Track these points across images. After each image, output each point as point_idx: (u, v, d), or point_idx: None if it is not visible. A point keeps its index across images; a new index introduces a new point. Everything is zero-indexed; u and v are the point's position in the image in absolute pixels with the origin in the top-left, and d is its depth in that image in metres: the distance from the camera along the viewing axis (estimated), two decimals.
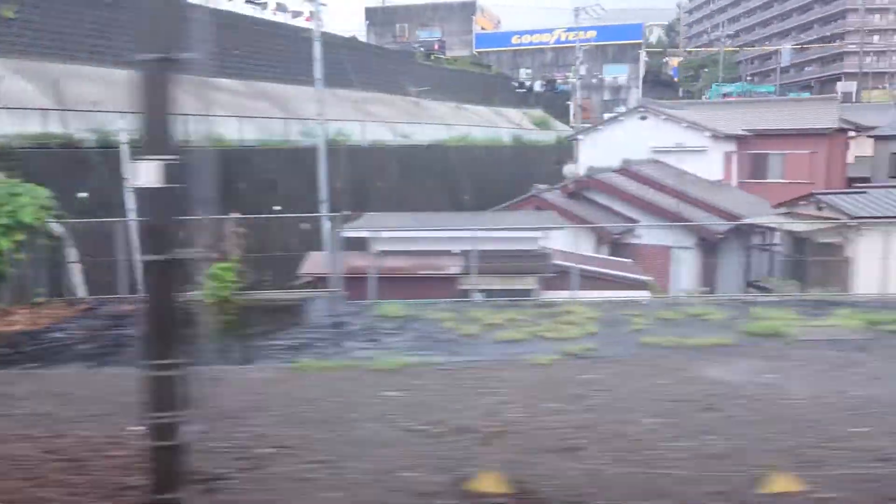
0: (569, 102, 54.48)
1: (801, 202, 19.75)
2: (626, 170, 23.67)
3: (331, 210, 22.28)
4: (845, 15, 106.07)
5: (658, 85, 57.93)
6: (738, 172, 30.09)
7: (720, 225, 20.38)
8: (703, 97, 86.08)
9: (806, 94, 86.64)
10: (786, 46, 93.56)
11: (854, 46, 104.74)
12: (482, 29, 58.89)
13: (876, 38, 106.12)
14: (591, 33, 56.75)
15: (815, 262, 19.07)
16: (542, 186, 22.61)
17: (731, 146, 29.05)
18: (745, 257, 21.39)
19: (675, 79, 76.86)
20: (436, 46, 51.65)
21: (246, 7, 32.36)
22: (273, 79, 28.06)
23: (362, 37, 60.46)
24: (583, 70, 51.32)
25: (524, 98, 54.08)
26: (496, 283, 15.95)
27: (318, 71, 21.44)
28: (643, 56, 56.20)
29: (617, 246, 22.46)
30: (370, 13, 61.37)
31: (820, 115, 29.57)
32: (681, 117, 26.00)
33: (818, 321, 9.65)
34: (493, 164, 30.99)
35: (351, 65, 37.37)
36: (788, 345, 8.29)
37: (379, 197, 25.11)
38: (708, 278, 21.27)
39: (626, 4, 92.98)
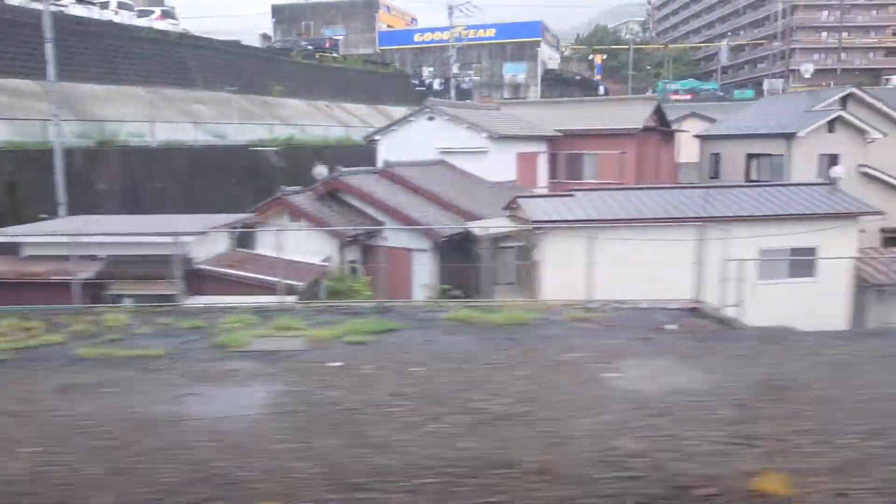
0: (468, 101, 54.20)
1: (514, 205, 19.58)
2: (385, 171, 23.46)
3: (69, 212, 22.20)
4: (794, 11, 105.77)
5: (560, 83, 57.68)
6: (549, 173, 29.93)
7: (445, 228, 20.18)
8: (648, 92, 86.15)
9: (750, 93, 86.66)
10: (723, 44, 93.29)
11: (799, 43, 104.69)
12: (388, 27, 58.56)
13: (824, 34, 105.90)
14: (491, 31, 56.51)
15: (506, 266, 18.93)
16: (289, 189, 22.37)
17: (538, 147, 28.87)
18: (477, 260, 21.15)
19: (598, 76, 76.53)
20: (327, 44, 51.29)
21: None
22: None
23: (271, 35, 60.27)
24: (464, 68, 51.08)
25: (424, 96, 53.70)
26: (140, 289, 15.78)
27: (50, 66, 21.16)
28: (541, 54, 55.88)
29: (366, 248, 22.34)
30: (276, 11, 61.04)
31: (634, 115, 29.36)
32: (463, 118, 25.75)
33: (289, 331, 9.26)
34: (295, 162, 30.40)
35: (198, 64, 37.20)
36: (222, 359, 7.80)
37: (149, 199, 24.86)
38: (450, 280, 21.07)
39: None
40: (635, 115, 29.27)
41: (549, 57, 59.61)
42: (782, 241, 18.63)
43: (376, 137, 27.40)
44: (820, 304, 18.46)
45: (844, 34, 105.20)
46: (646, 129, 29.40)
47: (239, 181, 27.72)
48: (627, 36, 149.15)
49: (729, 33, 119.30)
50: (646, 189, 21.23)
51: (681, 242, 18.26)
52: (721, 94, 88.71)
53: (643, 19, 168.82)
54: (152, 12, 38.23)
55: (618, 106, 30.90)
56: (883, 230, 24.38)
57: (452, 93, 44.80)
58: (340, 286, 19.11)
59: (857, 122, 25.37)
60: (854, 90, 27.77)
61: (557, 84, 55.73)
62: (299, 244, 21.18)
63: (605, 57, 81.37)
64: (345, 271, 21.18)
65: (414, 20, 67.69)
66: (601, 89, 72.94)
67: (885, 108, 27.53)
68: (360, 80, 48.61)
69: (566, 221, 17.28)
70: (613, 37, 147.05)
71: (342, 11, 59.66)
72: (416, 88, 54.60)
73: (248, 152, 28.96)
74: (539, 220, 17.46)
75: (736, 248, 17.94)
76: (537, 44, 55.86)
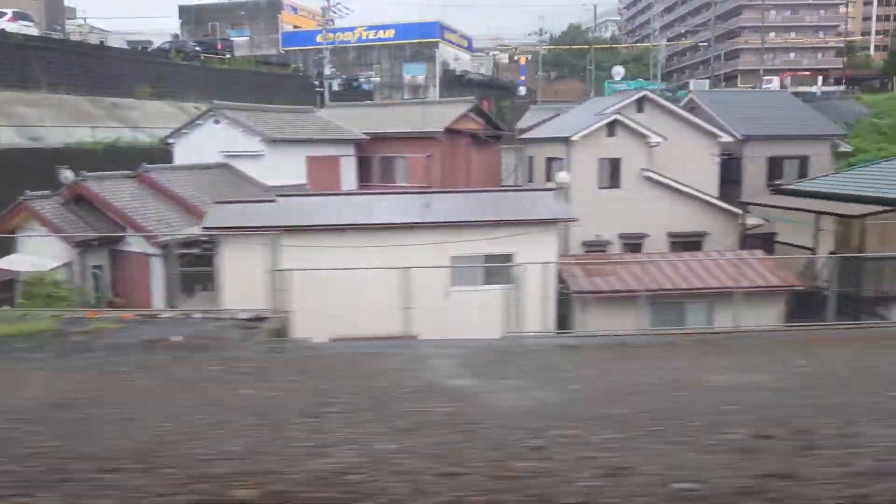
0: (368, 101, 54.10)
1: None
2: (142, 176, 23.33)
3: None
4: (740, 11, 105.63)
5: (462, 84, 57.53)
6: (361, 176, 29.82)
7: (168, 234, 20.05)
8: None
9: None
10: (661, 44, 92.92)
11: (745, 43, 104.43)
12: (295, 27, 58.42)
13: (773, 34, 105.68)
14: (390, 32, 56.37)
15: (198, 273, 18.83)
16: (35, 193, 22.22)
17: (340, 150, 28.75)
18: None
19: (522, 76, 76.32)
20: (218, 45, 51.12)
21: None
22: None
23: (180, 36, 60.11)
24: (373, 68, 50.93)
25: (322, 98, 53.60)
26: None
27: None
28: (440, 55, 55.73)
29: (113, 254, 22.24)
30: (184, 11, 60.92)
31: (441, 117, 29.24)
32: (240, 122, 25.63)
33: None
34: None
35: (44, 66, 37.05)
36: None
37: None
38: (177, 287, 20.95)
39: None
40: (443, 117, 29.16)
41: (454, 58, 59.44)
42: (476, 248, 18.55)
43: (171, 140, 27.28)
44: (519, 311, 18.38)
45: (772, 34, 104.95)
46: (455, 132, 29.26)
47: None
48: (607, 35, 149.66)
49: (687, 33, 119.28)
50: (374, 195, 21.17)
51: (372, 249, 18.23)
52: (670, 93, 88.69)
53: (619, 18, 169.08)
54: (4, 14, 38.05)
55: (434, 108, 30.76)
56: (585, 243, 24.42)
57: (326, 94, 44.61)
58: (40, 291, 18.98)
59: (636, 126, 25.23)
60: (647, 93, 27.65)
61: (459, 85, 55.62)
62: (44, 250, 21.19)
63: (528, 57, 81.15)
64: (83, 277, 21.09)
65: (331, 20, 67.51)
66: (522, 90, 72.90)
67: (678, 111, 27.41)
68: (248, 81, 48.40)
69: (235, 228, 17.18)
70: (585, 36, 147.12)
71: (247, 12, 59.57)
72: (317, 89, 54.50)
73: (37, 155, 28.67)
74: (211, 226, 17.35)
75: (423, 254, 17.92)
76: (435, 44, 55.70)
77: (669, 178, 25.89)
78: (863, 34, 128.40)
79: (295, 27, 57.72)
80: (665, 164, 27.31)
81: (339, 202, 19.50)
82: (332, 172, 28.09)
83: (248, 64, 50.87)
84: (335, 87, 55.45)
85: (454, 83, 56.32)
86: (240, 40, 58.99)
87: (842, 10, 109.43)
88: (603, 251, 25.67)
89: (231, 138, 25.80)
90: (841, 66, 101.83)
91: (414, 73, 55.53)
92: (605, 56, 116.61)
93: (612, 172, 25.69)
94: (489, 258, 18.47)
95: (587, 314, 19.42)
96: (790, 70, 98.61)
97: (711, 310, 19.61)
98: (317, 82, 56.15)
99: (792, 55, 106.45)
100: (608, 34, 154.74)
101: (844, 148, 29.92)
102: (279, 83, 52.32)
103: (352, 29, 58.11)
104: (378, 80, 56.02)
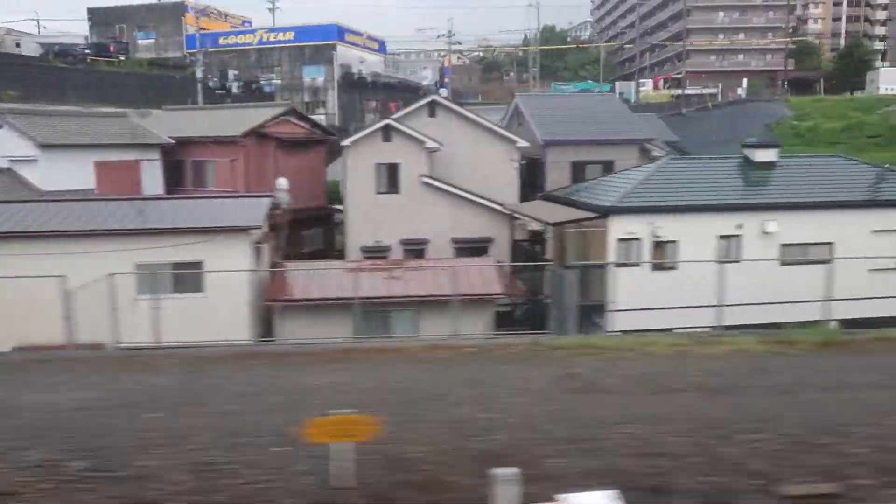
0: (270, 102, 54.04)
1: None
2: None
3: None
4: (689, 12, 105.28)
5: (362, 86, 57.42)
6: (171, 180, 29.72)
7: None
8: (534, 90, 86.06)
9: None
10: (600, 45, 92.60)
11: (692, 45, 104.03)
12: (202, 29, 58.32)
13: (721, 36, 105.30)
14: (290, 34, 56.29)
15: None
16: None
17: (139, 154, 28.63)
18: None
19: (447, 78, 76.20)
20: (110, 48, 51.04)
21: None
22: None
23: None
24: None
25: (222, 100, 53.50)
26: None
27: None
28: (337, 57, 55.60)
29: None
30: (92, 13, 60.93)
31: (245, 121, 29.13)
32: (16, 126, 25.54)
33: None
34: None
35: None
36: None
37: None
38: None
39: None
40: (249, 121, 29.04)
41: (359, 60, 59.33)
42: (164, 256, 18.44)
43: None
44: (214, 319, 18.28)
45: (721, 36, 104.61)
46: (263, 136, 29.13)
47: None
48: (585, 35, 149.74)
49: (647, 34, 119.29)
50: (80, 201, 21.12)
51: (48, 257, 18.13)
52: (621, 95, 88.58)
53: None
54: None
55: (247, 112, 30.64)
56: (364, 249, 24.36)
57: (200, 97, 44.54)
58: None
59: (409, 132, 25.12)
60: (436, 98, 27.53)
61: (361, 87, 55.46)
62: None
63: (449, 60, 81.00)
64: None
65: (246, 22, 67.57)
66: (443, 92, 72.62)
67: (473, 117, 27.29)
68: (134, 83, 48.22)
69: None
70: (560, 36, 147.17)
71: (153, 15, 59.58)
72: (217, 91, 54.45)
73: None
74: None
75: (110, 262, 17.78)
76: (333, 47, 55.61)
77: (449, 184, 25.81)
78: (833, 35, 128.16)
79: (201, 29, 57.67)
80: (464, 169, 27.24)
81: (43, 208, 19.41)
82: (129, 178, 27.91)
83: (139, 66, 50.80)
84: (234, 90, 55.46)
85: (356, 85, 56.20)
86: (145, 42, 59.05)
87: (808, 9, 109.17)
88: (384, 257, 25.59)
89: (13, 143, 25.74)
90: (791, 69, 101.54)
91: (313, 75, 55.49)
92: (579, 56, 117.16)
93: (389, 177, 25.60)
94: (178, 266, 18.35)
95: (293, 323, 19.30)
96: (743, 72, 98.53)
97: (418, 318, 19.50)
98: (219, 84, 56.14)
99: (741, 56, 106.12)
100: (586, 34, 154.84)
101: (657, 153, 29.73)
102: (169, 85, 51.81)
103: (253, 31, 58.02)
104: (279, 82, 55.99)
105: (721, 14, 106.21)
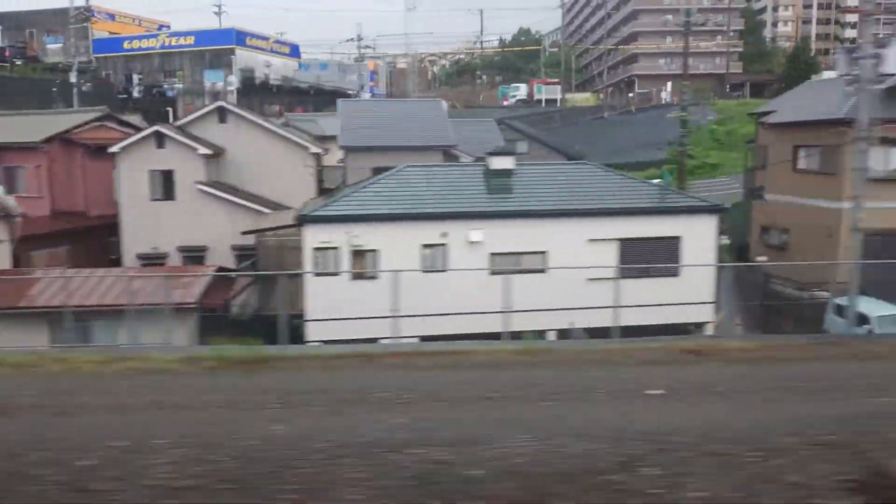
0: (168, 108, 54.34)
1: None
2: None
3: None
4: (637, 16, 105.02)
5: (264, 90, 57.54)
6: None
7: None
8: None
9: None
10: (552, 49, 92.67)
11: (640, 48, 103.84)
12: (111, 34, 58.59)
13: (669, 39, 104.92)
14: (190, 39, 56.51)
15: None
16: None
17: None
18: None
19: (372, 82, 76.26)
20: (6, 53, 51.37)
21: None
22: None
23: None
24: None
25: (124, 104, 53.68)
26: None
27: None
28: (236, 61, 55.79)
29: None
30: (2, 18, 61.23)
31: (52, 126, 29.16)
32: None
33: None
34: None
35: None
36: None
37: None
38: None
39: None
40: (54, 125, 29.09)
41: (265, 64, 59.52)
42: None
43: None
44: None
45: (668, 39, 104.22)
46: (68, 142, 29.17)
47: None
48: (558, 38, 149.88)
49: (601, 39, 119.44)
50: None
51: None
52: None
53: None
54: None
55: (60, 117, 30.73)
56: (139, 255, 24.33)
57: (75, 99, 44.69)
58: None
59: (181, 138, 25.18)
60: (224, 104, 27.58)
61: (261, 92, 55.64)
62: None
63: (378, 62, 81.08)
64: None
65: (163, 27, 67.75)
66: (367, 94, 72.66)
67: (262, 123, 27.37)
68: (17, 88, 48.10)
69: None
70: (534, 39, 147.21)
71: (61, 20, 59.81)
72: (118, 96, 54.73)
73: None
74: None
75: None
76: (232, 51, 55.80)
77: (225, 191, 25.88)
78: (802, 37, 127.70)
79: (111, 33, 57.92)
80: (258, 174, 27.32)
81: None
82: None
83: (32, 72, 51.05)
84: (135, 94, 55.70)
85: (258, 90, 56.36)
86: (54, 47, 59.30)
87: (778, 11, 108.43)
88: (161, 263, 25.64)
89: None
90: (738, 71, 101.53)
91: (213, 79, 55.67)
92: (549, 59, 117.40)
93: (164, 184, 25.68)
94: None
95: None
96: (693, 76, 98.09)
97: (118, 326, 19.52)
98: (121, 89, 56.41)
99: (689, 60, 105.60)
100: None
101: (466, 159, 29.70)
102: (58, 90, 51.50)
103: (155, 35, 58.26)
104: (181, 86, 56.18)
105: (669, 17, 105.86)
